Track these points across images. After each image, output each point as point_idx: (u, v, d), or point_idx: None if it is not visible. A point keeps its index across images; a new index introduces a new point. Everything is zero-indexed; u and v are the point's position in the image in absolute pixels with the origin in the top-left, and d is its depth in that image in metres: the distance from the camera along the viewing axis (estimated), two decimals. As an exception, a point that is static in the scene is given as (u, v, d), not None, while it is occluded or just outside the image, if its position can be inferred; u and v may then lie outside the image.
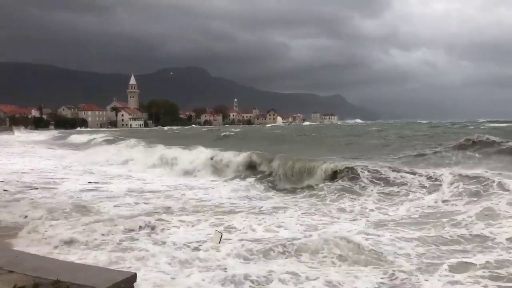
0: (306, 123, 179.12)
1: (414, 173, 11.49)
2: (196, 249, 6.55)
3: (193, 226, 7.99)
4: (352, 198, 10.48)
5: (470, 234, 6.93)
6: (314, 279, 5.32)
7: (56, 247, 6.49)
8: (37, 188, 12.34)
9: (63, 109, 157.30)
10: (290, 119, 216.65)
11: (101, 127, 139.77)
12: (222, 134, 50.22)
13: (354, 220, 8.43)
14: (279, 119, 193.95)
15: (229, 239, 6.99)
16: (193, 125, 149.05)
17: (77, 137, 50.53)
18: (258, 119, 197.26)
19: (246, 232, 7.53)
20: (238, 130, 72.68)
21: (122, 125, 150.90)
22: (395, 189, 10.84)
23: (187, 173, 16.95)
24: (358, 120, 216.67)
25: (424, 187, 10.65)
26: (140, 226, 7.71)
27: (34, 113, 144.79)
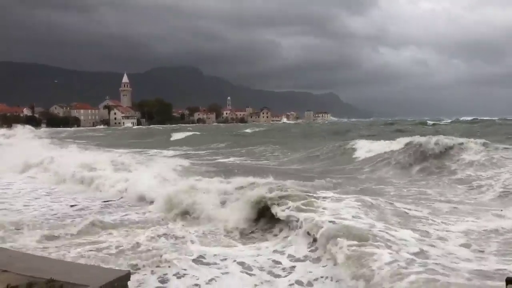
0: (284, 120, 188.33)
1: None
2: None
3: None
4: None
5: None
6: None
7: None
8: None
9: (55, 108, 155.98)
10: (284, 118, 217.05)
11: (93, 126, 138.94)
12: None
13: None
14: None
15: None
16: (180, 124, 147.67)
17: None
18: (251, 117, 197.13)
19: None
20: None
21: (115, 123, 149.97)
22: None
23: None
24: (345, 120, 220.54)
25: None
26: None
27: (26, 112, 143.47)
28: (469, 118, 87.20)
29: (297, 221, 6.70)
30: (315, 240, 6.00)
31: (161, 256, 5.81)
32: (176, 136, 49.76)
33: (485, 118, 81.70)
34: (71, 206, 9.46)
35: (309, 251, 5.99)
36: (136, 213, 8.74)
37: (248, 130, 65.56)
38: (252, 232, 7.37)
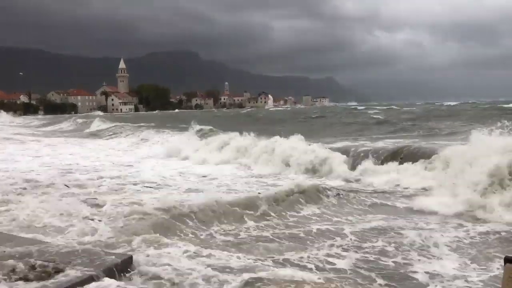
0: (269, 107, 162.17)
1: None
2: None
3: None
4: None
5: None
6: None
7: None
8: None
9: (52, 94, 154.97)
10: (281, 102, 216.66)
11: (91, 112, 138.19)
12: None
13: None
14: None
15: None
16: (170, 109, 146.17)
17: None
18: (249, 102, 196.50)
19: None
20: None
21: (113, 110, 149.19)
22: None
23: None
24: (338, 104, 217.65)
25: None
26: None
27: (23, 98, 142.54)
28: (458, 102, 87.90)
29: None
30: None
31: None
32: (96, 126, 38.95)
33: (481, 101, 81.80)
34: None
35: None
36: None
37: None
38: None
